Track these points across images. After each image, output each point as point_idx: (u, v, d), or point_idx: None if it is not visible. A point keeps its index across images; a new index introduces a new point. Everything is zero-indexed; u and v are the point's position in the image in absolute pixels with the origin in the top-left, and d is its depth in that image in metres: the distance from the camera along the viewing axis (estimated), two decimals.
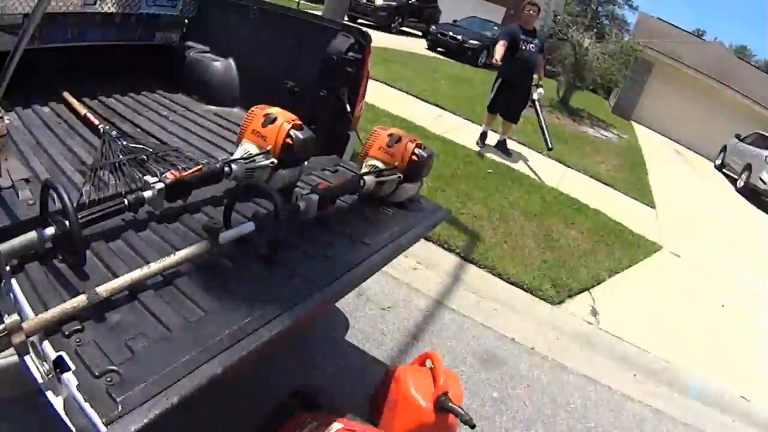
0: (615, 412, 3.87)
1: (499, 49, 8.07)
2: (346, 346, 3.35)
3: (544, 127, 8.28)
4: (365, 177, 2.33)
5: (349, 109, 3.09)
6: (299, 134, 2.13)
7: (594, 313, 4.96)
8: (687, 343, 5.35)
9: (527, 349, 4.13)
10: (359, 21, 21.00)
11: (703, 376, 4.85)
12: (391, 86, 10.46)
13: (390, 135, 2.48)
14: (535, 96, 8.33)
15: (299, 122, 2.18)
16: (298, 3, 22.57)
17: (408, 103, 9.83)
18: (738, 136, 20.42)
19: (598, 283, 5.55)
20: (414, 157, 2.46)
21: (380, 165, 2.43)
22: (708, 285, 7.25)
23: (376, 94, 8.86)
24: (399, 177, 2.42)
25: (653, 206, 9.79)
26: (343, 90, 3.08)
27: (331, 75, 3.08)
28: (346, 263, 1.93)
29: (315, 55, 3.13)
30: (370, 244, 2.10)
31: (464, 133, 9.11)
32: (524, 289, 4.82)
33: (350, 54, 3.05)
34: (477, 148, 8.53)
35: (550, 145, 8.36)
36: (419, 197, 2.67)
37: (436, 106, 10.31)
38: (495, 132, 8.98)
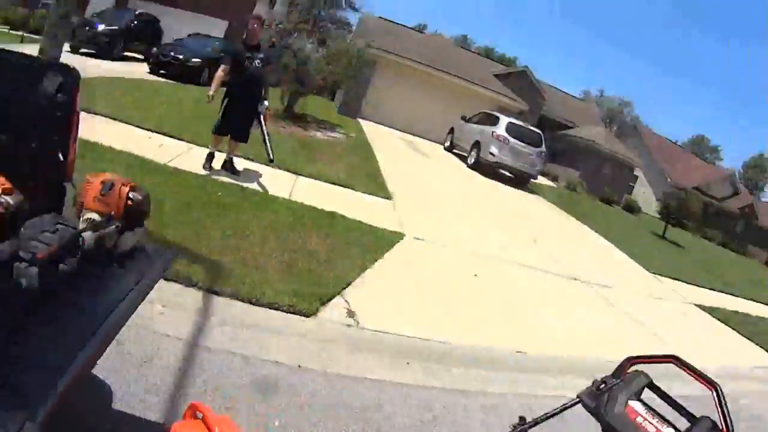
0: (401, 403, 4.09)
1: (219, 75, 8.15)
2: (115, 415, 3.12)
3: (266, 139, 8.39)
4: (83, 234, 2.20)
5: (62, 158, 2.87)
6: (10, 200, 1.90)
7: (351, 314, 5.15)
8: (450, 317, 5.81)
9: (295, 368, 4.16)
10: (82, 51, 20.28)
11: (474, 343, 5.30)
12: (114, 119, 9.92)
13: (102, 182, 2.37)
14: (260, 109, 8.42)
15: (9, 185, 1.94)
16: (23, 37, 20.96)
17: (131, 134, 9.41)
18: (464, 118, 22.48)
19: (349, 285, 5.76)
20: (129, 202, 2.38)
21: (97, 217, 2.31)
22: (456, 260, 7.89)
23: (98, 130, 8.42)
24: (118, 226, 2.33)
25: (390, 198, 10.42)
26: (54, 136, 2.86)
27: (40, 121, 2.83)
28: (79, 337, 1.82)
29: (21, 100, 2.84)
30: (100, 309, 2.01)
31: (190, 158, 8.95)
32: (276, 309, 4.80)
33: (58, 95, 2.81)
34: (204, 172, 8.38)
35: (270, 157, 8.49)
36: (145, 243, 2.58)
37: (160, 133, 9.99)
38: (221, 152, 8.87)
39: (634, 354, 2.34)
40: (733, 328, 10.32)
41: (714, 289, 14.22)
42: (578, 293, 8.28)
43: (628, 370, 2.32)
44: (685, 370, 2.17)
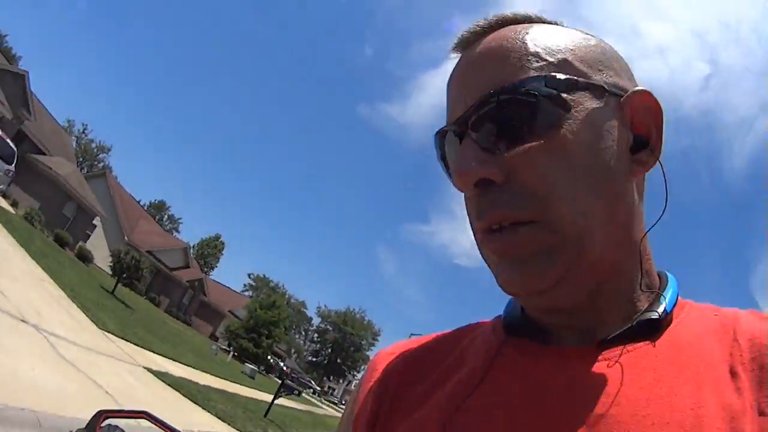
0: None
1: None
2: None
3: None
4: None
5: None
6: None
7: None
8: None
9: None
10: None
11: None
12: None
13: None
14: None
15: None
16: None
17: None
18: None
19: None
20: None
21: None
22: None
23: None
24: None
25: None
26: None
27: None
28: None
29: None
30: None
31: None
32: None
33: None
34: None
35: None
36: None
37: None
38: None
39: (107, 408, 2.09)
40: (182, 394, 10.83)
41: (162, 355, 14.52)
42: (27, 341, 7.48)
43: (102, 424, 2.06)
44: (156, 425, 2.02)
